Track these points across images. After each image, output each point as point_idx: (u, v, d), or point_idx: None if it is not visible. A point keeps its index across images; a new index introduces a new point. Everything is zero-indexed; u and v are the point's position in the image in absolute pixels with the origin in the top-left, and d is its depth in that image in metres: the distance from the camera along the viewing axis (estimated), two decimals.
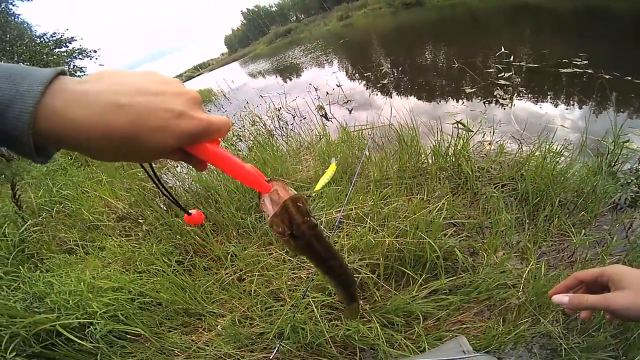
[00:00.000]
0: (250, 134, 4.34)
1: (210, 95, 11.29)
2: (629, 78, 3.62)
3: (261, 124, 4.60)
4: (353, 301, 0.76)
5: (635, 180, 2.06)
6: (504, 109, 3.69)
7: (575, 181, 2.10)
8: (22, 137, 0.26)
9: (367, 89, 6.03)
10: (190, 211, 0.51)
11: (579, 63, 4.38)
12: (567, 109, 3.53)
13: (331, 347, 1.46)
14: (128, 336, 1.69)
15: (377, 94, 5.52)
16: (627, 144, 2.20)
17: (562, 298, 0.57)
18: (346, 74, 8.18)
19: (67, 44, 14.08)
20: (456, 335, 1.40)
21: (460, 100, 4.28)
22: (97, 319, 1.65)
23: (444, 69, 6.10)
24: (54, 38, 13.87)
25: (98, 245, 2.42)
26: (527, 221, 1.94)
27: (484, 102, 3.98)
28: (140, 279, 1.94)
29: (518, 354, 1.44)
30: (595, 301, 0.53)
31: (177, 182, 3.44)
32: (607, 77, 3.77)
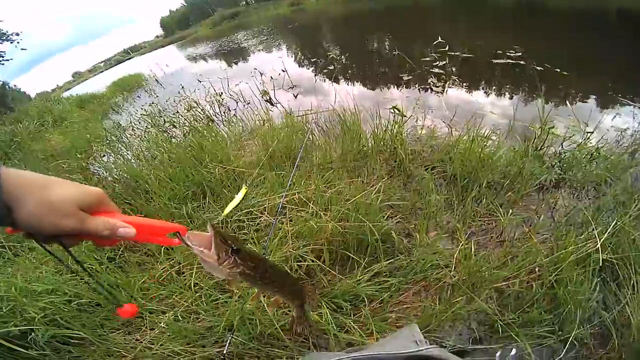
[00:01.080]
0: (185, 119, 4.01)
1: (141, 80, 10.31)
2: (558, 70, 4.02)
3: (199, 110, 4.28)
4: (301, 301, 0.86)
5: (559, 163, 2.22)
6: (438, 95, 3.94)
7: (502, 164, 2.23)
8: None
9: (314, 74, 5.97)
10: (123, 305, 0.57)
11: (512, 55, 4.74)
12: (497, 97, 3.84)
13: (283, 335, 1.43)
14: (72, 340, 1.59)
15: (323, 80, 5.50)
16: (553, 130, 2.37)
17: None
18: (294, 59, 8.00)
19: None
20: (408, 323, 1.46)
21: (398, 87, 4.46)
22: (36, 325, 1.55)
23: (386, 57, 6.30)
24: None
25: (27, 246, 2.28)
26: (456, 202, 2.05)
27: (419, 89, 4.19)
28: (74, 279, 1.82)
29: (457, 331, 1.49)
30: None
31: (105, 172, 3.08)
32: (539, 68, 4.13)
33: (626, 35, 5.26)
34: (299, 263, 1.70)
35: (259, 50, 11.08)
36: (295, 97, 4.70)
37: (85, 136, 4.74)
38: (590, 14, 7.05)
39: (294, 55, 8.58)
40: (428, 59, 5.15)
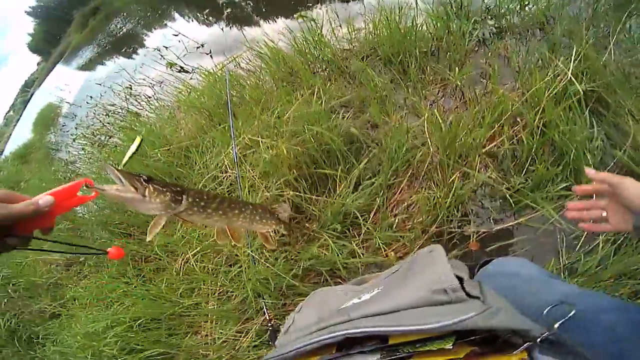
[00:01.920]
0: (111, 125, 3.66)
1: (55, 109, 9.30)
2: None
3: (118, 110, 3.88)
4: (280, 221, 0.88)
5: (487, 15, 2.11)
6: None
7: (428, 30, 2.13)
8: None
9: (215, 25, 5.40)
10: (108, 249, 0.59)
11: None
12: None
13: (297, 283, 1.44)
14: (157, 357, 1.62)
15: (231, 32, 4.98)
16: None
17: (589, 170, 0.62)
18: (191, 23, 7.14)
19: None
20: (431, 246, 1.24)
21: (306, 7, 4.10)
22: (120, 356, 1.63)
23: None
24: None
25: (69, 297, 2.37)
26: (402, 78, 1.99)
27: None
28: (122, 306, 1.89)
29: (473, 214, 1.39)
30: (612, 178, 0.57)
31: (83, 210, 2.88)
32: None
33: None
34: (278, 204, 1.69)
35: (145, 30, 9.81)
36: (209, 55, 4.28)
37: (55, 176, 4.36)
38: None
39: (188, 20, 7.63)
40: None
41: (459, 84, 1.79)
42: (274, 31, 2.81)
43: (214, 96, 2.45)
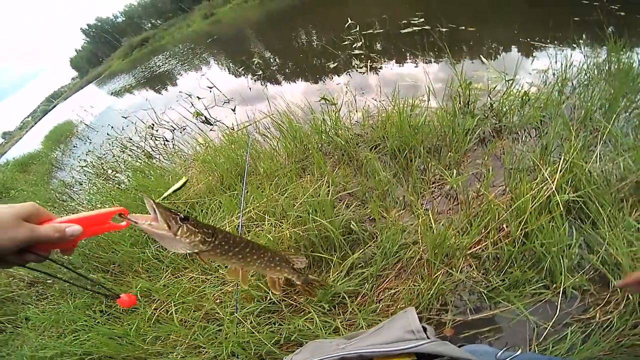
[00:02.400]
0: (124, 162, 3.77)
1: (71, 128, 9.55)
2: (463, 27, 4.23)
3: (135, 147, 4.04)
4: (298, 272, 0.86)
5: (491, 114, 2.26)
6: (364, 75, 4.08)
7: (434, 127, 2.26)
8: None
9: (246, 83, 5.87)
10: (120, 295, 0.56)
11: (416, 21, 4.97)
12: (414, 64, 3.99)
13: (280, 348, 1.44)
14: None
15: (257, 86, 5.43)
16: (472, 85, 2.40)
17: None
18: (222, 73, 7.79)
19: None
20: (404, 310, 1.45)
21: (327, 76, 4.56)
22: None
23: (310, 50, 6.38)
24: None
25: (22, 316, 2.31)
26: (404, 174, 2.07)
27: (346, 74, 4.30)
28: (77, 338, 1.83)
29: (451, 304, 1.46)
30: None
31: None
32: (444, 29, 4.34)
33: None
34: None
35: (182, 71, 10.62)
36: (233, 110, 4.59)
37: (36, 203, 4.28)
38: None
39: (221, 69, 8.35)
40: (346, 42, 5.30)
41: (454, 187, 1.88)
42: (296, 104, 3.03)
43: (229, 159, 2.57)
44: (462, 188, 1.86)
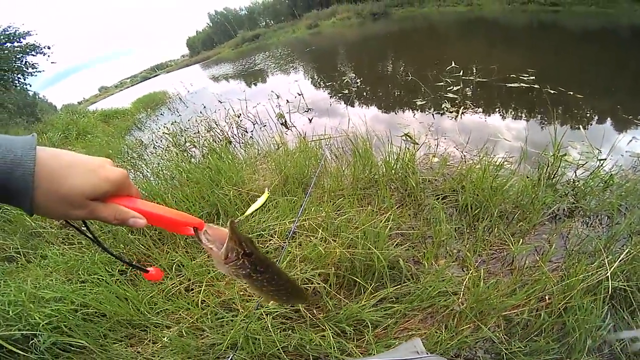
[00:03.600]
0: (205, 140, 4.19)
1: (165, 98, 10.73)
2: (572, 93, 3.96)
3: (218, 130, 4.47)
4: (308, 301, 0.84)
5: (572, 192, 2.18)
6: (452, 120, 3.95)
7: (514, 193, 2.20)
8: (26, 193, 0.35)
9: (329, 98, 6.14)
10: (148, 268, 0.56)
11: (525, 78, 4.72)
12: (511, 122, 3.79)
13: (285, 356, 1.45)
14: (72, 348, 1.64)
15: (338, 104, 5.64)
16: (565, 157, 2.32)
17: None
18: (310, 82, 8.26)
19: (21, 39, 12.79)
20: (411, 337, 1.46)
21: (412, 111, 4.51)
22: (40, 331, 1.61)
23: (400, 81, 6.42)
24: (7, 33, 12.51)
25: (40, 253, 2.35)
26: (467, 231, 2.05)
27: (432, 114, 4.21)
28: (83, 289, 1.88)
29: (465, 357, 1.47)
30: None
31: None
32: (552, 92, 4.09)
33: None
34: (305, 286, 1.73)
35: (277, 72, 11.50)
36: (310, 120, 4.83)
37: (108, 151, 4.96)
38: (602, 33, 6.96)
39: (310, 79, 8.86)
40: (442, 83, 5.21)
41: (515, 254, 1.84)
42: (375, 132, 3.06)
43: (297, 166, 2.70)
44: (521, 256, 1.83)
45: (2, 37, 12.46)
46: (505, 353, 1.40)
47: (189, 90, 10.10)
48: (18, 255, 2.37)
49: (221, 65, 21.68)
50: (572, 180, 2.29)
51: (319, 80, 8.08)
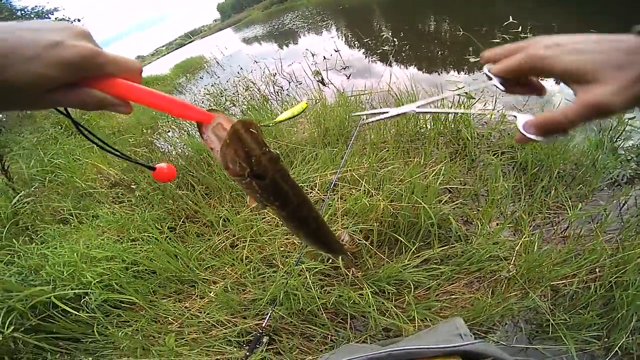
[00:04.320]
0: (244, 99, 4.17)
1: (202, 62, 10.81)
2: None
3: (255, 89, 4.41)
4: (340, 253, 0.68)
5: (635, 158, 2.00)
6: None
7: (575, 153, 2.05)
8: None
9: (365, 55, 5.78)
10: (155, 166, 0.45)
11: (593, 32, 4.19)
12: None
13: (322, 313, 1.45)
14: (123, 305, 1.70)
15: (376, 61, 5.30)
16: (632, 121, 2.11)
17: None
18: (345, 41, 7.81)
19: (49, 14, 13.26)
20: (453, 316, 1.40)
21: (463, 70, 4.12)
22: (92, 289, 1.66)
23: (447, 38, 5.84)
24: (35, 10, 12.99)
25: (91, 213, 2.40)
26: (524, 191, 1.89)
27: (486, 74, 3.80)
28: (134, 247, 1.94)
29: (505, 328, 1.44)
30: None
31: (169, 147, 3.35)
32: None
33: None
34: (347, 242, 1.69)
35: (311, 32, 11.00)
36: (348, 77, 4.60)
37: (151, 113, 5.10)
38: None
39: (344, 37, 8.37)
40: (497, 40, 4.66)
41: (572, 220, 1.72)
42: (423, 87, 2.82)
43: (338, 118, 2.58)
44: (576, 223, 1.72)
45: (31, 14, 12.84)
46: (548, 324, 1.34)
47: (224, 53, 10.05)
48: (71, 217, 2.41)
49: (252, 28, 21.22)
50: (637, 146, 2.09)
51: (353, 38, 7.59)
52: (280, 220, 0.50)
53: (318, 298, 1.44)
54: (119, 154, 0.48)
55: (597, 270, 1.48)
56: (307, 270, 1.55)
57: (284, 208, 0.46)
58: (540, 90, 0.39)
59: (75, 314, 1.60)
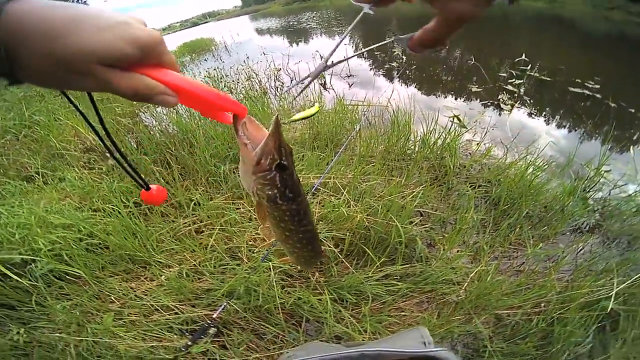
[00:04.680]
0: (242, 87, 4.14)
1: (210, 45, 10.73)
2: (633, 110, 3.62)
3: (256, 81, 4.40)
4: (320, 257, 0.71)
5: (601, 209, 2.12)
6: (503, 113, 3.68)
7: (548, 197, 2.13)
8: None
9: (371, 68, 5.83)
10: (150, 185, 0.46)
11: (590, 86, 4.37)
12: (563, 127, 3.56)
13: (279, 313, 1.43)
14: (67, 277, 1.61)
15: (380, 75, 5.35)
16: (607, 174, 2.24)
17: None
18: (355, 49, 7.86)
19: None
20: (418, 326, 1.44)
21: (462, 97, 4.22)
22: (40, 257, 1.56)
23: (455, 63, 5.96)
24: None
25: (59, 175, 2.29)
26: (491, 224, 1.97)
27: (485, 104, 3.93)
28: (94, 218, 1.85)
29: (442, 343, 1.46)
30: None
31: (154, 122, 3.27)
32: (613, 105, 3.77)
33: None
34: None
35: (322, 34, 11.05)
36: (350, 86, 4.64)
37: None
38: None
39: (355, 46, 8.43)
40: (504, 74, 4.80)
41: (528, 257, 1.81)
42: (420, 109, 2.87)
43: (331, 122, 2.60)
44: (533, 260, 1.80)
45: None
46: (485, 350, 1.39)
47: (235, 39, 9.96)
48: (37, 176, 2.30)
49: (268, 19, 21.16)
50: (605, 198, 2.21)
51: (363, 49, 7.65)
52: (285, 219, 0.51)
53: (278, 297, 1.43)
54: (119, 156, 0.48)
55: (542, 304, 1.53)
56: (272, 269, 1.53)
57: (295, 201, 0.48)
58: None
59: (17, 280, 1.49)
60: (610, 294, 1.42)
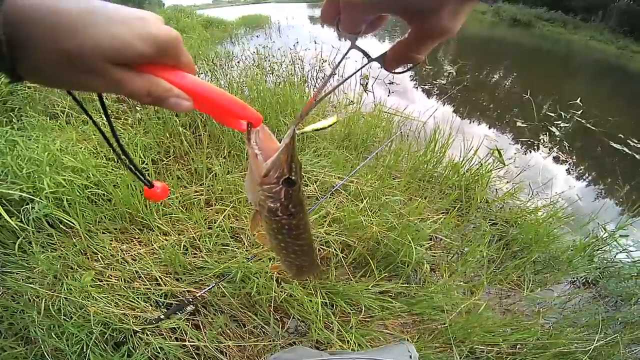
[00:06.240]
0: (284, 71, 4.13)
1: (266, 22, 10.81)
2: None
3: (299, 67, 4.37)
4: (317, 268, 0.71)
5: (600, 269, 2.13)
6: (539, 154, 3.58)
7: (560, 247, 2.12)
8: None
9: (413, 78, 5.70)
10: (154, 183, 0.43)
11: (632, 144, 4.22)
12: (594, 182, 3.50)
13: (270, 305, 1.40)
14: (60, 226, 1.53)
15: (424, 89, 5.22)
16: (622, 238, 2.23)
17: None
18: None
19: None
20: (407, 341, 1.42)
21: (505, 130, 4.10)
22: (40, 198, 1.47)
23: (506, 94, 5.75)
24: None
25: (83, 118, 2.24)
26: (497, 262, 1.95)
27: (525, 142, 3.82)
28: (105, 167, 1.80)
29: None
30: None
31: None
32: None
33: None
34: (322, 247, 1.68)
35: (380, 37, 10.85)
36: (389, 93, 4.55)
37: (197, 52, 5.00)
38: None
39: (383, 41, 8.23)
40: (552, 114, 4.58)
41: (522, 299, 1.82)
42: (457, 129, 2.78)
43: (365, 125, 2.61)
44: (525, 302, 1.81)
45: None
46: None
47: (288, 22, 9.98)
48: (61, 115, 2.25)
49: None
50: (610, 259, 2.22)
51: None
52: (282, 232, 0.50)
53: (270, 290, 1.40)
54: (121, 154, 0.43)
55: (517, 346, 1.54)
56: (271, 259, 1.51)
57: (295, 217, 0.48)
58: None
59: (5, 219, 1.37)
60: (588, 348, 1.43)
